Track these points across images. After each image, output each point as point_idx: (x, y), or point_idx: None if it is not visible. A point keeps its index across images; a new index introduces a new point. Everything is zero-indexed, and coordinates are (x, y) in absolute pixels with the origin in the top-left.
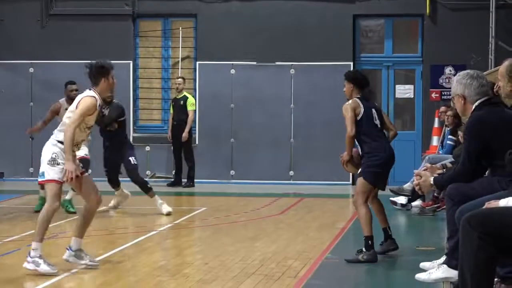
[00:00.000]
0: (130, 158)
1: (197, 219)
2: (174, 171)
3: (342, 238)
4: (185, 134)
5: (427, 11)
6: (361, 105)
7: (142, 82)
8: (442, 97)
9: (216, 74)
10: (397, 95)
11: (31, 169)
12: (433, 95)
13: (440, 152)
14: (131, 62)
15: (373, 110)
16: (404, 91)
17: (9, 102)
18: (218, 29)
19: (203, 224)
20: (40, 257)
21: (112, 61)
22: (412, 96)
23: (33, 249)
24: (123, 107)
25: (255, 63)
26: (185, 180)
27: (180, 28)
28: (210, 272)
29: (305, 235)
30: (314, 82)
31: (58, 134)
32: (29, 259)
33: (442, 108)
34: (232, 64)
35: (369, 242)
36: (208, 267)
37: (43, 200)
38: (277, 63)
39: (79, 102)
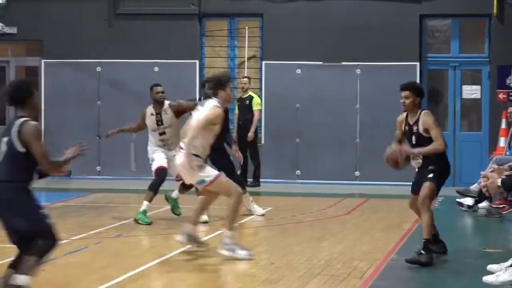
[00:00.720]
0: None
1: (263, 219)
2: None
3: (408, 239)
4: (250, 134)
5: (495, 11)
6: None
7: None
8: (510, 97)
9: (281, 73)
10: (464, 96)
11: (98, 168)
12: (501, 95)
13: (508, 153)
14: (197, 61)
15: None
16: (471, 91)
17: (77, 101)
18: (284, 28)
19: (269, 224)
20: (235, 244)
21: (178, 60)
22: (479, 97)
23: (226, 237)
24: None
25: (321, 63)
26: (251, 179)
27: (246, 27)
28: (276, 272)
29: (370, 235)
30: (380, 82)
31: (192, 148)
32: (224, 246)
33: (510, 109)
34: (298, 64)
35: (429, 245)
36: (274, 267)
37: (174, 201)
38: (343, 63)
39: (206, 109)
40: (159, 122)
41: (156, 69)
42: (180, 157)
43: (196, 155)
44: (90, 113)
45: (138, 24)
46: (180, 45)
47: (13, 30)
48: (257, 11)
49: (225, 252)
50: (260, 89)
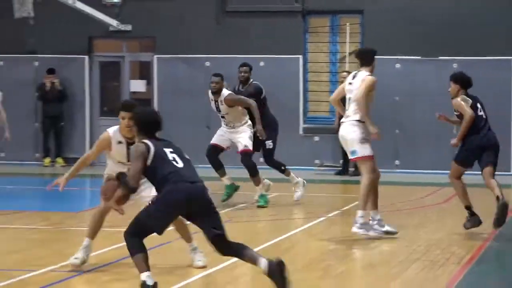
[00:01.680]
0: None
1: None
2: (341, 160)
3: (506, 226)
4: None
5: None
6: (469, 100)
7: (311, 76)
8: None
9: (381, 68)
10: None
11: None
12: None
13: None
14: (301, 56)
15: (478, 104)
16: None
17: (187, 94)
18: (383, 24)
19: None
20: (367, 223)
21: (283, 56)
22: None
23: (360, 217)
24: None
25: (419, 57)
26: (352, 169)
27: (347, 24)
28: (377, 256)
29: None
30: (477, 77)
31: (353, 116)
32: (358, 225)
33: None
34: (397, 58)
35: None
36: (375, 251)
37: (230, 189)
38: (441, 57)
39: (363, 80)
40: (217, 108)
41: (261, 63)
42: (346, 127)
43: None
44: (200, 105)
45: (244, 21)
46: (285, 41)
47: (128, 27)
48: (357, 8)
49: (359, 231)
50: None
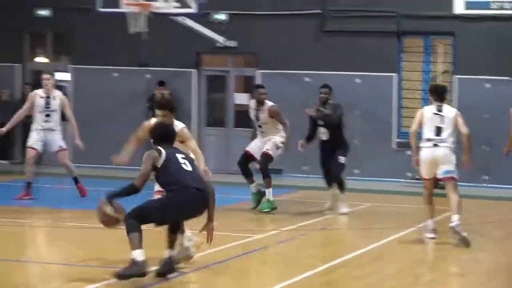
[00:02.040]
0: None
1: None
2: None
3: None
4: None
5: None
6: None
7: (405, 93)
8: None
9: (472, 87)
10: None
11: (304, 168)
12: None
13: None
14: (395, 74)
15: None
16: None
17: (287, 107)
18: (473, 46)
19: None
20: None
21: (378, 73)
22: None
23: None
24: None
25: (508, 78)
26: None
27: (440, 44)
28: (465, 266)
29: None
30: None
31: (449, 141)
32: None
33: None
34: (487, 78)
35: None
36: (463, 262)
37: (257, 195)
38: None
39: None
40: (257, 117)
41: (357, 80)
42: (444, 150)
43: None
44: (298, 117)
45: (342, 40)
46: (380, 60)
47: (233, 43)
48: (449, 30)
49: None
50: (452, 100)
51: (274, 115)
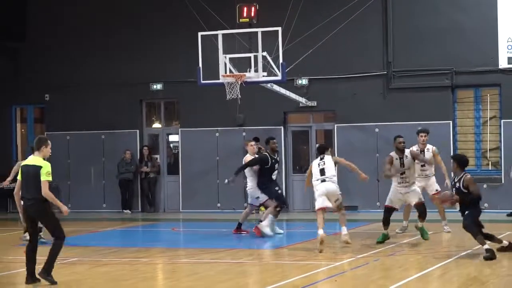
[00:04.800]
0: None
1: None
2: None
3: None
4: None
5: None
6: None
7: (459, 137)
8: None
9: None
10: None
11: (377, 203)
12: None
13: None
14: (450, 122)
15: None
16: None
17: (361, 154)
18: None
19: None
20: None
21: (436, 122)
22: None
23: None
24: None
25: None
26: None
27: (488, 94)
28: None
29: None
30: None
31: None
32: None
33: None
34: None
35: None
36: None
37: (384, 237)
38: None
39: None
40: (402, 164)
41: (419, 128)
42: None
43: None
44: (371, 162)
45: (405, 95)
46: (437, 110)
47: (314, 103)
48: (496, 82)
49: None
50: (500, 141)
51: (416, 156)
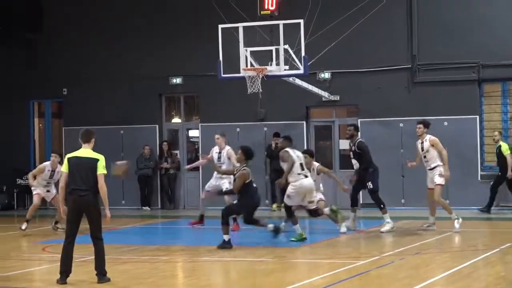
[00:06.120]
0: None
1: None
2: None
3: None
4: (509, 174)
5: None
6: None
7: (486, 132)
8: None
9: None
10: None
11: (402, 201)
12: None
13: None
14: (477, 116)
15: None
16: None
17: (384, 149)
18: None
19: None
20: None
21: (463, 116)
22: None
23: None
24: None
25: None
26: None
27: None
28: None
29: None
30: None
31: None
32: None
33: None
34: None
35: None
36: None
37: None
38: None
39: None
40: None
41: (445, 123)
42: None
43: None
44: (394, 158)
45: (430, 89)
46: (464, 104)
47: (337, 97)
48: None
49: None
50: None
51: (434, 143)
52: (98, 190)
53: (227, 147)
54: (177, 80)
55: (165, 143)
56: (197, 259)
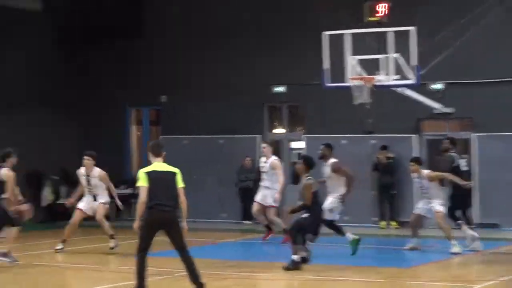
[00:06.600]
0: None
1: None
2: None
3: None
4: None
5: None
6: None
7: None
8: None
9: None
10: None
11: None
12: None
13: None
14: None
15: None
16: None
17: (502, 166)
18: None
19: None
20: None
21: None
22: None
23: None
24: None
25: None
26: None
27: None
28: None
29: None
30: None
31: None
32: None
33: None
34: None
35: None
36: None
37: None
38: None
39: None
40: None
41: None
42: None
43: None
44: None
45: None
46: None
47: (450, 110)
48: None
49: None
50: None
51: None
52: (178, 205)
53: (273, 157)
54: (280, 89)
55: None
56: (300, 277)
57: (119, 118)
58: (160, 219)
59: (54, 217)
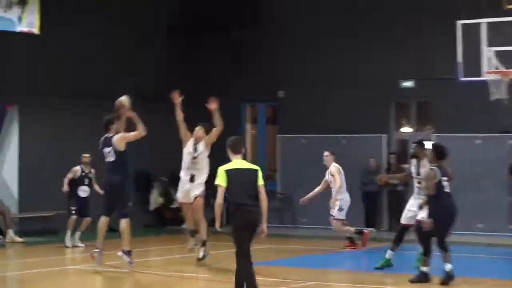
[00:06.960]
0: None
1: None
2: None
3: None
4: None
5: None
6: None
7: None
8: None
9: None
10: None
11: None
12: None
13: None
14: None
15: None
16: None
17: None
18: None
19: None
20: None
21: None
22: None
23: None
24: None
25: None
26: None
27: None
28: None
29: None
30: None
31: None
32: None
33: None
34: None
35: None
36: None
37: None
38: None
39: None
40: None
41: None
42: None
43: None
44: None
45: None
46: None
47: None
48: None
49: None
50: None
51: None
52: (259, 203)
53: (333, 165)
54: (408, 84)
55: (392, 155)
56: None
57: (233, 115)
58: (247, 219)
59: (163, 222)
